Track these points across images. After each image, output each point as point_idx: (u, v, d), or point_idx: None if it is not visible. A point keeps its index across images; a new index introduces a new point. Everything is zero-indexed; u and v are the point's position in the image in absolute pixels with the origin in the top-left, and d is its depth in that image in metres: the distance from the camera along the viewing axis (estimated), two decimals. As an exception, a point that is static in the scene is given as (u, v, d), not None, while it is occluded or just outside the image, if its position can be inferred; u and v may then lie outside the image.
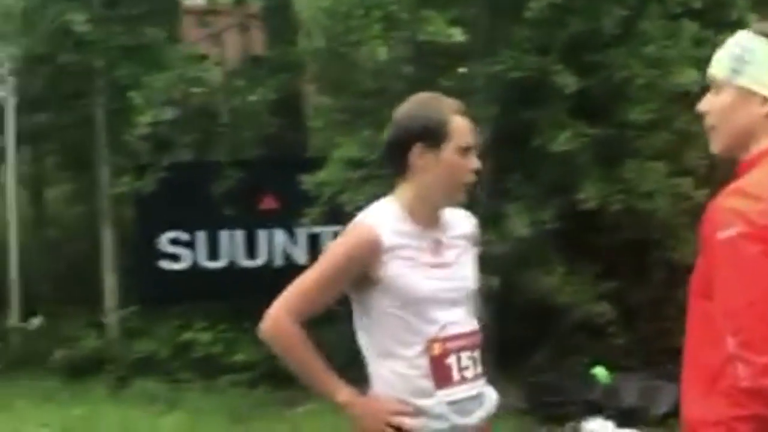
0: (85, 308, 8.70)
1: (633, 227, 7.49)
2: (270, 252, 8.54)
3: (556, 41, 7.19)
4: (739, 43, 2.47)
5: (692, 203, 7.00)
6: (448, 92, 7.36)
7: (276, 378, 7.21)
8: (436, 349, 3.12)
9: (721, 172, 7.07)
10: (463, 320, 3.21)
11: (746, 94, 2.44)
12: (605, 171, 7.13)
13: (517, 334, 7.59)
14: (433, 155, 3.11)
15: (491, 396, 3.30)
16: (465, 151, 3.15)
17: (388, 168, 3.44)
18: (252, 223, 8.38)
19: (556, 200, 7.28)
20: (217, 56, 9.24)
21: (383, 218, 3.17)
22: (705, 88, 2.51)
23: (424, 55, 7.58)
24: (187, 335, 7.99)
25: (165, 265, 8.48)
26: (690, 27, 7.14)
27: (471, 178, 3.19)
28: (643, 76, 7.01)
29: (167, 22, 9.02)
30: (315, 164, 7.27)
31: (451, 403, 3.13)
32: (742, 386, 2.20)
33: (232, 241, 8.53)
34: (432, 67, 7.68)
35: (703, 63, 6.62)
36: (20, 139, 9.16)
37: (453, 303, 3.20)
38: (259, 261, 8.51)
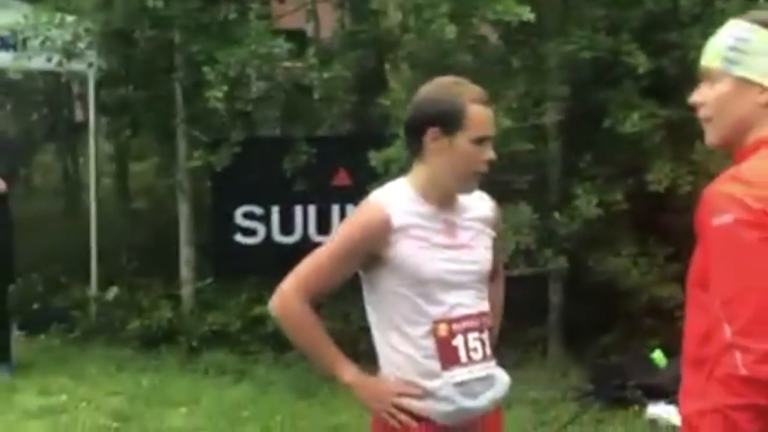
0: (162, 280, 8.90)
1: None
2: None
3: (630, 20, 7.12)
4: (734, 33, 2.45)
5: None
6: (521, 71, 7.40)
7: (344, 353, 7.18)
8: (443, 330, 3.11)
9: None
10: (472, 302, 3.19)
11: (744, 83, 2.43)
12: (675, 152, 7.04)
13: (584, 315, 7.64)
14: (447, 141, 3.08)
15: (502, 379, 3.30)
16: (480, 141, 3.11)
17: (406, 148, 3.43)
18: (325, 198, 8.37)
19: (626, 181, 7.26)
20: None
21: (395, 198, 3.16)
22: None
23: (500, 34, 7.61)
24: (259, 309, 7.99)
25: (239, 238, 8.55)
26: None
27: (483, 168, 3.13)
28: None
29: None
30: (386, 141, 7.27)
31: (458, 384, 3.13)
32: (740, 374, 2.18)
33: (305, 216, 8.55)
34: (509, 44, 7.74)
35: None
36: (102, 112, 9.37)
37: (462, 285, 3.18)
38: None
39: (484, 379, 3.21)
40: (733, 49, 2.45)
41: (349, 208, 8.46)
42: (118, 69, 8.84)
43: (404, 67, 7.96)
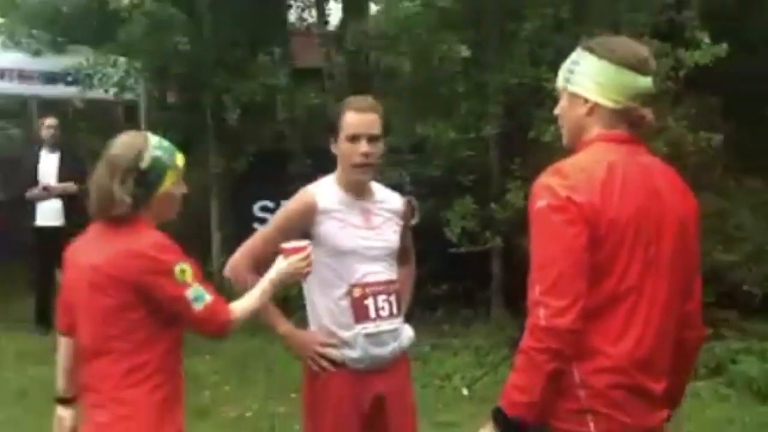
0: (198, 260, 9.76)
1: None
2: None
3: (546, 55, 7.63)
4: (572, 57, 2.62)
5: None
6: (466, 95, 8.12)
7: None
8: (356, 292, 3.33)
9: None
10: (382, 271, 3.40)
11: (574, 97, 2.58)
12: None
13: (518, 283, 7.93)
14: (336, 143, 3.37)
15: (407, 333, 3.54)
16: (353, 138, 3.32)
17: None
18: None
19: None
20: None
21: (323, 189, 3.41)
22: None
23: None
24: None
25: (257, 226, 8.92)
26: (653, 44, 7.22)
27: (360, 159, 3.32)
28: None
29: (278, 43, 9.75)
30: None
31: (368, 335, 3.36)
32: (541, 324, 2.34)
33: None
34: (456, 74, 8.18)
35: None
36: (151, 131, 10.25)
37: (374, 258, 3.38)
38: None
39: (391, 332, 3.41)
40: (569, 70, 2.61)
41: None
42: (160, 98, 9.66)
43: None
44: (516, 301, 8.13)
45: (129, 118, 9.97)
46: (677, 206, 2.57)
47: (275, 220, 3.47)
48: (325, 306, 3.38)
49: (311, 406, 3.44)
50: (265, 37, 9.68)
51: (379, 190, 3.55)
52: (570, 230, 2.36)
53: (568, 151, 2.61)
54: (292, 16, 10.79)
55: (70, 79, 8.89)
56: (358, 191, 3.43)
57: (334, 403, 3.39)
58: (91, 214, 2.88)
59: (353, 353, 3.37)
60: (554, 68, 7.78)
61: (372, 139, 3.34)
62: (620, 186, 2.44)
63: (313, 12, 10.36)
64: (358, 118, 3.33)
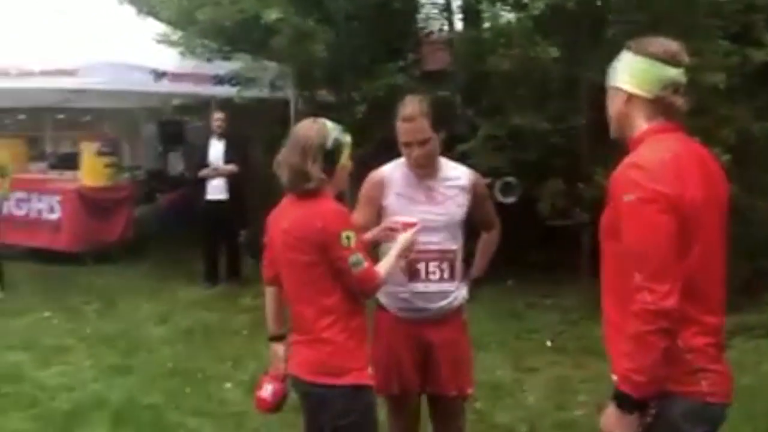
0: None
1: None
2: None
3: None
4: (619, 56, 2.60)
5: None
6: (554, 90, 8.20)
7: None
8: (411, 256, 3.38)
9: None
10: (439, 242, 3.44)
11: (616, 91, 2.58)
12: None
13: None
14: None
15: (461, 294, 3.59)
16: (406, 145, 3.42)
17: None
18: None
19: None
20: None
21: (392, 168, 3.51)
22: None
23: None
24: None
25: None
26: (724, 44, 7.53)
27: (412, 162, 3.43)
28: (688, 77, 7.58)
29: (409, 49, 10.05)
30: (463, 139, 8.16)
31: (417, 293, 3.47)
32: (649, 308, 2.29)
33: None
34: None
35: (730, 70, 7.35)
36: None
37: (433, 229, 3.41)
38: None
39: (438, 293, 3.47)
40: (613, 69, 2.61)
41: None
42: (310, 95, 9.85)
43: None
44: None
45: (282, 113, 10.44)
46: (723, 188, 2.58)
47: (358, 198, 3.54)
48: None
49: (373, 342, 3.48)
50: (397, 44, 9.90)
51: (448, 168, 3.54)
52: (662, 219, 2.33)
53: (618, 138, 2.61)
54: (423, 24, 10.81)
55: (233, 81, 9.33)
56: (424, 173, 3.48)
57: (388, 341, 3.54)
58: (285, 188, 3.12)
59: (403, 303, 3.51)
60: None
61: (421, 143, 3.36)
62: (688, 173, 2.42)
63: (443, 22, 10.40)
64: (406, 128, 3.36)
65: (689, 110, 8.04)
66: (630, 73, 2.53)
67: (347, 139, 3.15)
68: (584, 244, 8.34)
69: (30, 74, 9.01)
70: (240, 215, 9.17)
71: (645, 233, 2.34)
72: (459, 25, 10.22)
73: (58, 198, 10.19)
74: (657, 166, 2.38)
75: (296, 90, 9.66)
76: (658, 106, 2.51)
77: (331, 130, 3.10)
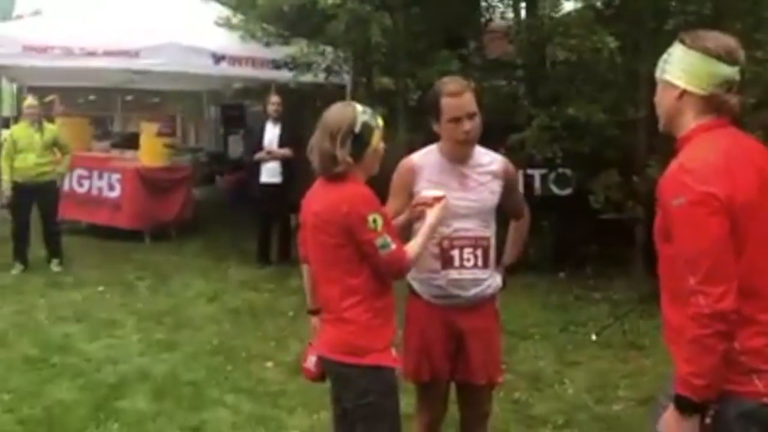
0: None
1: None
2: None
3: None
4: (669, 49, 2.55)
5: None
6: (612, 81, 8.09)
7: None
8: (446, 243, 3.38)
9: None
10: (473, 228, 3.39)
11: (667, 85, 2.51)
12: None
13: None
14: (438, 124, 3.37)
15: (493, 282, 3.52)
16: (455, 120, 3.30)
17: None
18: None
19: None
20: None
21: (423, 155, 3.47)
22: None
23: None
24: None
25: None
26: None
27: (463, 137, 3.32)
28: (750, 71, 7.15)
29: (472, 37, 10.09)
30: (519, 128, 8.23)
31: (451, 280, 3.42)
32: (704, 312, 2.27)
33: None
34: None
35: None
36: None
37: (466, 216, 3.37)
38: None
39: (473, 280, 3.43)
40: (664, 61, 2.53)
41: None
42: (367, 81, 9.95)
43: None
44: (656, 264, 8.32)
45: (339, 99, 10.45)
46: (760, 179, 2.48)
47: (390, 187, 3.48)
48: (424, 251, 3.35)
49: (405, 328, 3.54)
50: (458, 32, 9.83)
51: (480, 154, 3.47)
52: (714, 221, 2.29)
53: (667, 133, 2.55)
54: (486, 12, 10.66)
55: (291, 66, 9.34)
56: (457, 159, 3.41)
57: (420, 328, 3.50)
58: (316, 172, 3.10)
59: (433, 291, 3.46)
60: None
61: (470, 116, 3.30)
62: (739, 170, 2.37)
63: (505, 10, 10.35)
64: (455, 102, 3.29)
65: (752, 105, 7.70)
66: (683, 68, 2.47)
67: (378, 122, 3.10)
68: (638, 239, 8.21)
69: (93, 54, 9.20)
70: (293, 198, 9.19)
71: (696, 237, 2.31)
72: (522, 14, 10.09)
73: (118, 176, 10.40)
74: (704, 166, 2.33)
75: (353, 75, 9.72)
76: (711, 103, 2.45)
77: (360, 113, 3.06)
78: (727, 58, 2.43)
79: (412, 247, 3.17)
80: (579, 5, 8.12)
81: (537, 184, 8.89)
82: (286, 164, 9.11)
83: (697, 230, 2.30)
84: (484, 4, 10.52)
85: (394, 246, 3.03)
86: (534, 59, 9.35)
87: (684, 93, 2.46)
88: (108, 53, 9.26)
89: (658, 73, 2.56)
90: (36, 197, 8.63)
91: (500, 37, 10.25)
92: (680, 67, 2.46)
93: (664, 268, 2.50)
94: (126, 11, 9.54)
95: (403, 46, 8.90)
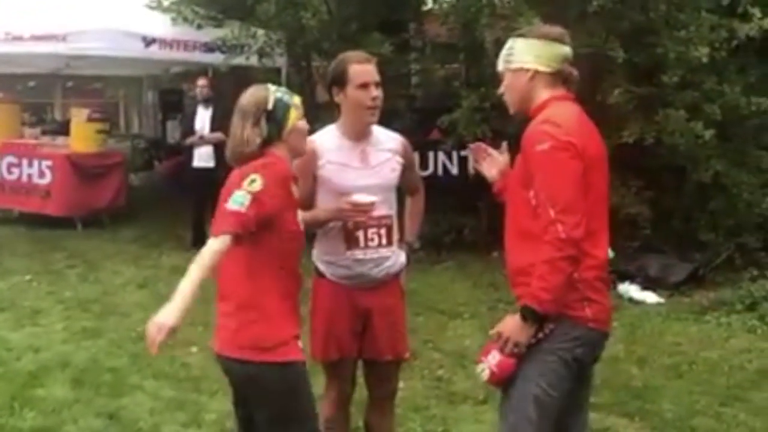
0: None
1: (667, 156, 7.86)
2: (435, 166, 9.43)
3: (617, 29, 7.59)
4: (507, 46, 2.93)
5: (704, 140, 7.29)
6: None
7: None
8: (350, 224, 3.37)
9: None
10: (376, 207, 3.33)
11: (517, 72, 2.87)
12: (644, 116, 7.58)
13: None
14: (343, 93, 3.34)
15: (399, 260, 3.54)
16: (363, 86, 3.31)
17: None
18: (424, 147, 9.12)
19: (611, 135, 7.41)
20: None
21: (322, 136, 3.42)
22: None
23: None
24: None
25: None
26: (710, 18, 7.45)
27: (371, 102, 3.31)
28: (675, 51, 7.35)
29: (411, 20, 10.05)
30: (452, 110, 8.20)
31: (356, 260, 3.41)
32: (561, 237, 2.61)
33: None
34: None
35: (716, 44, 7.23)
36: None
37: (369, 194, 3.31)
38: (428, 172, 9.21)
39: (377, 259, 3.43)
40: (507, 55, 2.91)
41: (440, 154, 9.42)
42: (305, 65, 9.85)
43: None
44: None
45: (274, 82, 10.36)
46: (605, 149, 2.95)
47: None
48: (324, 233, 3.45)
49: (312, 310, 3.54)
50: (394, 15, 9.79)
51: (378, 132, 3.48)
52: (572, 164, 2.67)
53: (518, 116, 2.95)
54: None
55: (223, 48, 9.33)
56: (358, 135, 3.39)
57: (327, 308, 3.48)
58: (230, 162, 2.95)
59: (340, 271, 3.45)
60: (623, 40, 7.29)
61: (377, 84, 3.33)
62: (589, 133, 2.81)
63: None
64: (363, 68, 3.32)
65: (676, 84, 7.81)
66: (531, 54, 2.85)
67: (295, 100, 2.99)
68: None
69: (20, 39, 9.00)
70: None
71: (557, 175, 2.66)
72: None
73: (48, 163, 10.19)
74: (566, 122, 2.73)
75: (287, 58, 9.67)
76: (558, 77, 2.86)
77: (273, 92, 2.97)
78: (563, 39, 2.88)
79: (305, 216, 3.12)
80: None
81: (471, 165, 8.92)
82: (219, 148, 8.92)
83: (558, 169, 2.66)
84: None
85: (242, 209, 2.75)
86: (468, 41, 9.34)
87: (536, 73, 2.84)
88: (35, 38, 9.07)
89: (501, 67, 2.93)
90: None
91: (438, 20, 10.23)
92: (527, 54, 2.85)
93: (516, 214, 2.84)
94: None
95: (335, 29, 8.82)
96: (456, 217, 8.88)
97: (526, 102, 2.88)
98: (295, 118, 2.96)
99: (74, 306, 6.92)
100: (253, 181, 2.78)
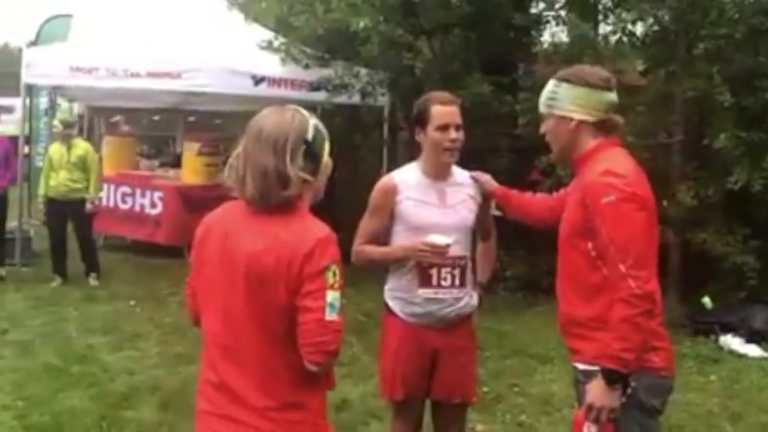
0: None
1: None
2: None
3: (725, 72, 7.38)
4: (548, 88, 2.86)
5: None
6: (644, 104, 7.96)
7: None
8: (424, 262, 3.35)
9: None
10: (451, 247, 3.29)
11: (561, 119, 2.81)
12: (752, 162, 7.30)
13: (690, 273, 7.92)
14: (424, 133, 3.37)
15: (470, 302, 3.51)
16: (443, 128, 3.32)
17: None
18: (522, 187, 8.94)
19: (717, 181, 7.59)
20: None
21: (403, 173, 3.46)
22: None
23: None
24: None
25: None
26: None
27: (449, 144, 3.33)
28: None
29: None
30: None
31: (428, 299, 3.39)
32: (636, 293, 2.53)
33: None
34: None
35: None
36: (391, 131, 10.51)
37: (446, 234, 3.29)
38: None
39: (449, 299, 3.41)
40: (550, 98, 2.83)
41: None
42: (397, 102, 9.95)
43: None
44: (690, 290, 7.95)
45: (377, 120, 10.54)
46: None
47: (369, 206, 3.47)
48: (397, 269, 3.45)
49: (381, 346, 3.56)
50: (499, 55, 9.78)
51: (458, 173, 3.49)
52: (640, 215, 2.62)
53: (561, 161, 3.05)
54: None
55: (328, 87, 9.45)
56: (437, 174, 3.40)
57: (395, 346, 3.46)
58: (252, 200, 2.31)
59: (413, 308, 3.43)
60: (731, 83, 7.17)
61: (458, 127, 3.33)
62: (643, 177, 2.76)
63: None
64: (445, 110, 3.32)
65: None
66: (574, 102, 2.78)
67: (324, 130, 2.41)
68: (673, 264, 8.03)
69: (137, 75, 9.42)
70: (330, 215, 9.20)
71: (626, 228, 2.59)
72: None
73: (159, 194, 10.58)
74: (628, 171, 2.69)
75: (390, 97, 9.79)
76: (603, 126, 2.80)
77: (308, 117, 2.36)
78: (609, 85, 2.80)
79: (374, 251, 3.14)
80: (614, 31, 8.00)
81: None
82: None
83: (626, 223, 2.59)
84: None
85: (337, 316, 2.23)
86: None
87: (580, 123, 2.78)
88: (151, 74, 9.47)
89: (544, 110, 2.86)
90: (68, 213, 8.81)
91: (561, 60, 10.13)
92: (572, 102, 2.77)
93: (573, 265, 2.78)
94: (171, 33, 9.73)
95: (437, 69, 8.86)
96: (555, 259, 8.65)
97: (569, 150, 2.85)
98: (327, 153, 2.39)
99: (171, 332, 7.10)
100: (334, 274, 2.25)
